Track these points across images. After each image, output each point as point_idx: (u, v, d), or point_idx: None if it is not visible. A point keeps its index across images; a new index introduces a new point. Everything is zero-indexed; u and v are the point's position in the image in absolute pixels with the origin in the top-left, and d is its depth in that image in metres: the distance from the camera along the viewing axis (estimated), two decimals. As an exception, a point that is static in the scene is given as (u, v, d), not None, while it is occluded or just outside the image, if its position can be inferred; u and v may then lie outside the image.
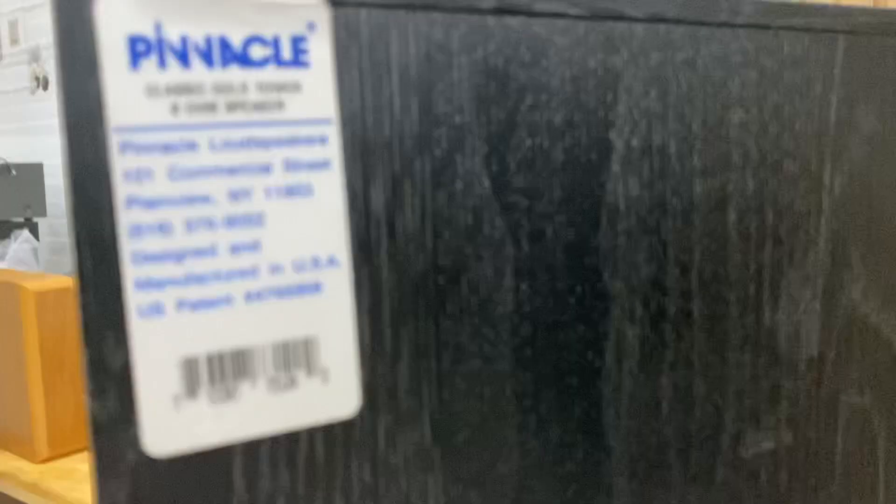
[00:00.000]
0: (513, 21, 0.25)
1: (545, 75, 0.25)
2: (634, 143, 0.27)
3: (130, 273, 0.20)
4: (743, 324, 0.29)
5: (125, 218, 0.20)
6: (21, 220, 1.41)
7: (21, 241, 1.30)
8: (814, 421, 0.31)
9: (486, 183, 0.24)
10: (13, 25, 2.68)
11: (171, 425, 0.21)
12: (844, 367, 0.32)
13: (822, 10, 0.30)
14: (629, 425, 0.28)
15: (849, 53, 0.30)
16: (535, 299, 0.26)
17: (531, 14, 0.25)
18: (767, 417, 0.30)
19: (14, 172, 1.47)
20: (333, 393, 0.23)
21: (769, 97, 0.29)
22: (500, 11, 0.24)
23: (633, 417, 0.28)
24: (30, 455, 0.82)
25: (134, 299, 0.20)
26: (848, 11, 0.30)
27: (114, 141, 0.20)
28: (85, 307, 0.20)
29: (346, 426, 0.23)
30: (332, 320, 0.23)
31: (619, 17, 0.26)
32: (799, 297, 0.30)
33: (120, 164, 0.20)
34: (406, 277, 0.24)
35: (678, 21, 0.27)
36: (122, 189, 0.20)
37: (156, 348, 0.21)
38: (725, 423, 0.29)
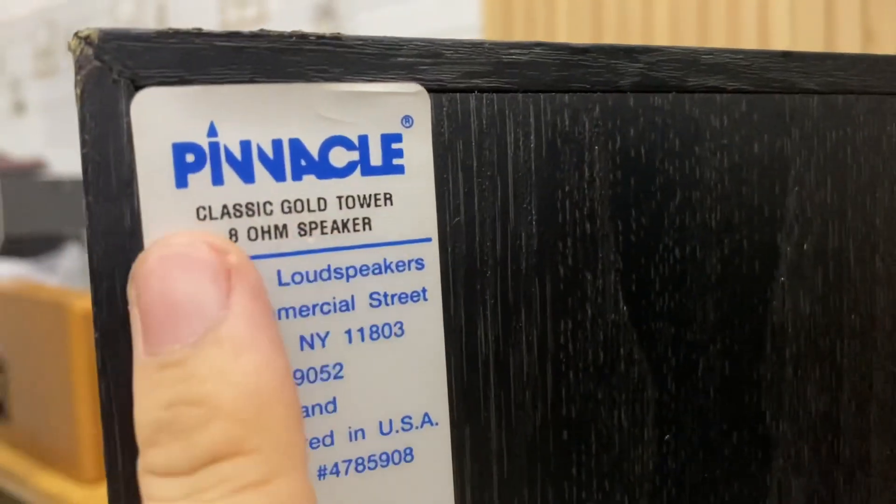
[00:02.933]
0: (659, 100, 0.19)
1: (698, 166, 0.20)
2: (806, 246, 0.21)
3: (172, 449, 0.15)
4: (932, 465, 0.23)
5: (166, 379, 0.15)
6: (72, 235, 1.40)
7: (72, 258, 1.30)
8: None
9: (623, 307, 0.19)
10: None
11: None
12: None
13: None
14: None
15: None
16: (681, 454, 0.20)
17: (682, 90, 0.19)
18: (962, 583, 0.24)
19: (66, 187, 1.47)
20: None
21: (970, 181, 0.23)
22: (643, 89, 0.19)
23: (798, 592, 0.22)
24: (77, 475, 0.81)
25: (176, 483, 0.16)
26: None
27: (152, 280, 0.15)
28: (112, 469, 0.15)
29: None
30: (427, 496, 0.17)
31: (790, 90, 0.20)
32: None
33: (160, 309, 0.15)
34: (521, 435, 0.18)
35: (861, 92, 0.21)
36: (162, 342, 0.15)
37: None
38: (909, 591, 0.23)
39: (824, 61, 0.21)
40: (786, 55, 0.20)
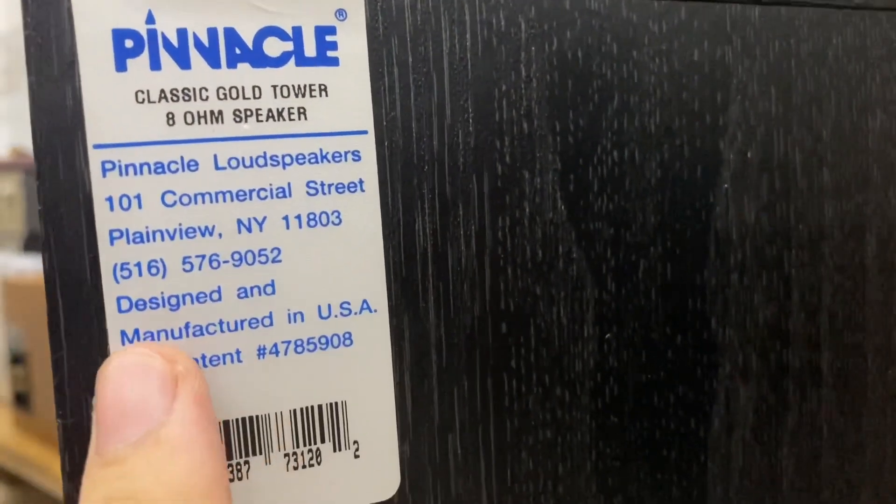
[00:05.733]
0: (596, 4, 0.20)
1: (636, 71, 0.20)
2: (750, 154, 0.21)
3: (115, 323, 0.16)
4: (884, 380, 0.24)
5: (108, 255, 0.16)
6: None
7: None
8: (977, 502, 0.25)
9: (561, 207, 0.20)
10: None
11: (164, 511, 0.17)
12: None
13: None
14: (741, 508, 0.22)
15: None
16: (623, 353, 0.20)
17: (619, -4, 0.20)
18: (917, 498, 0.24)
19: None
20: (366, 471, 0.18)
21: (920, 97, 0.23)
22: (579, -7, 0.19)
23: (747, 498, 0.22)
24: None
25: (119, 355, 0.16)
26: None
27: (94, 160, 0.16)
28: (58, 364, 0.16)
29: (383, 512, 0.18)
30: (366, 381, 0.18)
31: (731, 0, 0.21)
32: (957, 347, 0.24)
33: (102, 188, 0.16)
34: (459, 326, 0.19)
35: (803, 3, 0.22)
36: (104, 219, 0.16)
37: (146, 416, 0.17)
38: (862, 503, 0.24)
39: (766, -28, 0.21)
40: (725, -36, 0.21)
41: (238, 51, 0.17)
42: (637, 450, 0.21)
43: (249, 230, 0.17)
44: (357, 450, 0.18)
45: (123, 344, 0.16)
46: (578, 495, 0.20)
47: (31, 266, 1.20)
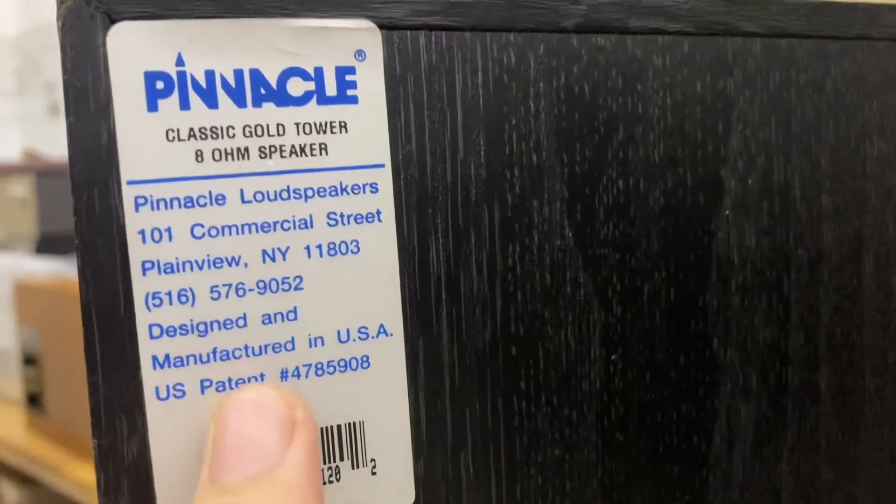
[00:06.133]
0: (602, 41, 0.20)
1: (641, 104, 0.21)
2: (751, 182, 0.22)
3: (147, 349, 0.17)
4: (881, 398, 0.24)
5: (141, 285, 0.17)
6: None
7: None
8: (971, 515, 0.26)
9: (569, 234, 0.20)
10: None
11: (193, 526, 0.18)
12: None
13: (984, 16, 0.24)
14: (742, 521, 0.23)
15: None
16: (628, 374, 0.21)
17: (624, 32, 0.21)
18: (913, 511, 0.25)
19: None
20: (383, 487, 0.19)
21: (916, 124, 0.24)
22: (586, 30, 0.20)
23: (747, 512, 0.23)
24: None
25: (151, 380, 0.17)
26: None
27: (128, 195, 0.17)
28: (94, 388, 0.17)
29: (399, 526, 0.19)
30: (382, 401, 0.19)
31: (732, 33, 0.22)
32: (952, 365, 0.25)
33: (135, 222, 0.17)
34: (471, 349, 0.20)
35: (804, 36, 0.22)
36: (137, 251, 0.17)
37: (176, 436, 0.18)
38: (860, 517, 0.24)
39: (767, 6, 0.22)
40: (728, 0, 0.21)
41: (263, 91, 0.18)
42: (641, 466, 0.22)
43: (273, 260, 0.18)
44: (374, 467, 0.19)
45: (155, 368, 0.17)
46: (585, 510, 0.21)
47: (43, 268, 1.21)
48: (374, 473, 0.19)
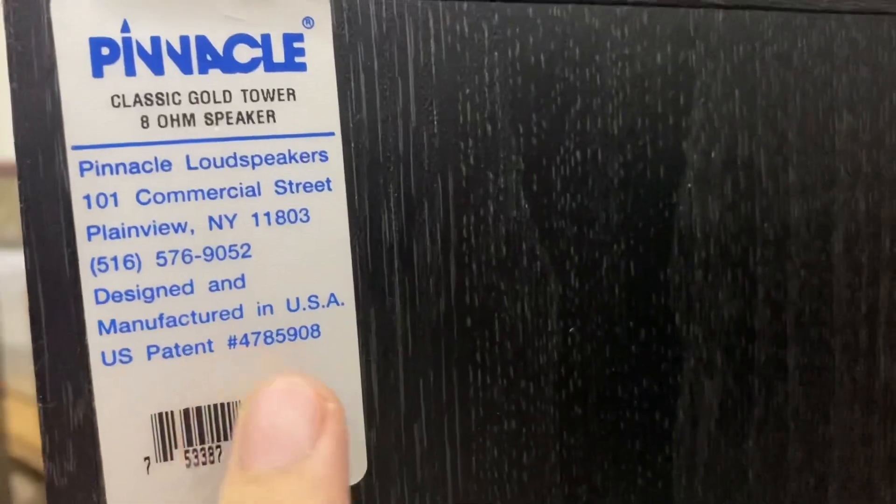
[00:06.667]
0: (558, 11, 0.20)
1: (599, 75, 0.21)
2: (714, 155, 0.22)
3: (92, 314, 0.17)
4: (852, 375, 0.24)
5: (86, 250, 0.17)
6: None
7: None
8: (946, 497, 0.25)
9: (525, 205, 0.20)
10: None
11: (141, 491, 0.18)
12: None
13: (957, -11, 0.24)
14: (706, 499, 0.23)
15: None
16: (586, 347, 0.21)
17: (581, 2, 0.20)
18: (885, 491, 0.25)
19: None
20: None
21: (886, 99, 0.24)
22: (542, 0, 0.20)
23: (712, 490, 0.23)
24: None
25: (97, 345, 0.17)
26: None
27: (72, 160, 0.17)
28: (39, 353, 0.17)
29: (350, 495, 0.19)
30: (333, 370, 0.19)
31: (693, 4, 0.21)
32: (927, 344, 0.25)
33: (80, 187, 0.17)
34: (425, 320, 0.20)
35: (768, 8, 0.22)
36: (82, 217, 0.17)
37: (122, 402, 0.18)
38: (828, 497, 0.24)
39: (729, -22, 0.22)
40: (687, -30, 0.21)
41: (209, 57, 0.18)
42: (601, 441, 0.21)
43: (220, 227, 0.18)
44: (324, 437, 0.19)
45: (101, 334, 0.17)
46: (543, 484, 0.21)
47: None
48: (324, 443, 0.19)
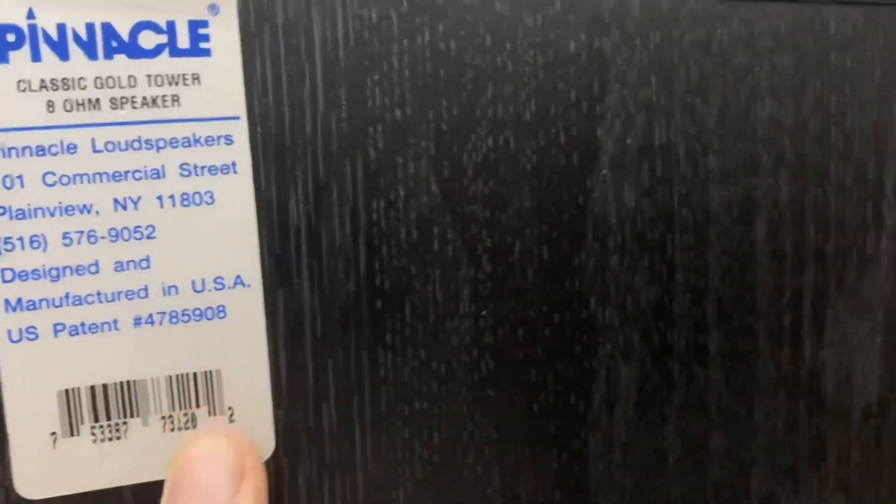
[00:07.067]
0: (468, -1, 0.21)
1: (511, 62, 0.21)
2: (629, 141, 0.22)
3: (0, 293, 0.18)
4: (775, 362, 0.24)
5: (-8, 230, 0.18)
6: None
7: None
8: (872, 484, 0.25)
9: (435, 190, 0.21)
10: None
11: (47, 466, 0.18)
12: (916, 419, 0.26)
13: (882, -23, 0.24)
14: (624, 484, 0.23)
15: (919, 30, 0.25)
16: (499, 329, 0.21)
17: (491, -10, 0.21)
18: (808, 478, 0.25)
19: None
20: (241, 434, 0.19)
21: (809, 86, 0.24)
22: (450, -13, 0.20)
23: (630, 473, 0.23)
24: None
25: (3, 322, 0.18)
26: (917, -22, 0.24)
27: (-22, 143, 0.18)
28: (-53, 330, 0.18)
29: (257, 473, 0.20)
30: (239, 350, 0.19)
31: (607, -8, 0.22)
32: (852, 331, 0.25)
33: (-15, 168, 0.18)
34: (334, 301, 0.20)
35: (686, -5, 0.22)
36: (-12, 197, 0.18)
37: (29, 378, 0.18)
38: (752, 483, 0.24)
39: (645, -34, 0.22)
40: (600, -42, 0.22)
41: (115, 43, 0.18)
42: (515, 423, 0.22)
43: (125, 208, 0.19)
44: (232, 415, 0.19)
45: (7, 311, 0.18)
46: (454, 464, 0.21)
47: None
48: (231, 421, 0.19)
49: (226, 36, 0.19)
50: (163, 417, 0.19)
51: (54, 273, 0.18)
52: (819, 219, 0.24)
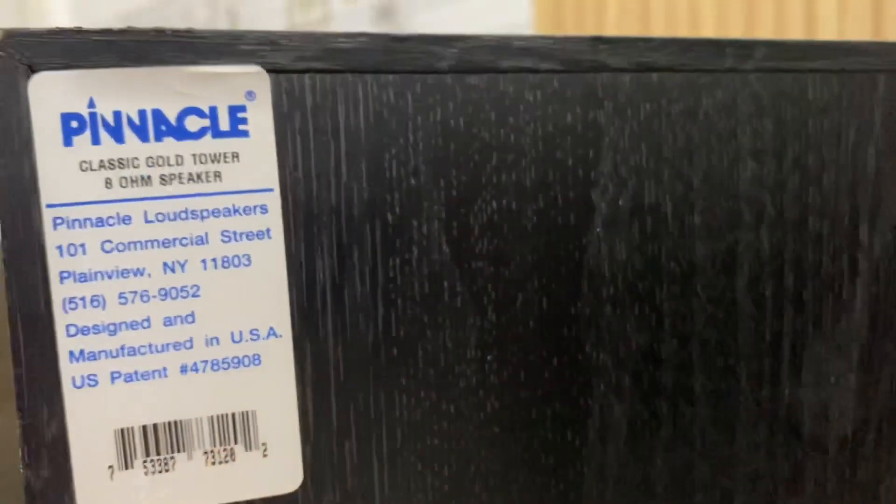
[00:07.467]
0: (475, 80, 0.23)
1: (513, 134, 0.24)
2: (621, 202, 0.25)
3: (64, 345, 0.21)
4: (756, 399, 0.26)
5: (59, 292, 0.20)
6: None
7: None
8: (845, 511, 0.28)
9: (446, 249, 0.23)
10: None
11: (106, 496, 0.21)
12: (886, 450, 0.28)
13: (856, 48, 0.26)
14: (614, 509, 0.25)
15: (891, 95, 0.27)
16: (503, 373, 0.24)
17: (496, 71, 0.23)
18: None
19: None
20: (273, 468, 0.22)
21: (789, 148, 0.26)
22: (459, 70, 0.23)
23: (622, 501, 0.25)
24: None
25: (68, 371, 0.21)
26: (890, 48, 0.26)
27: (47, 217, 0.20)
28: (18, 378, 0.20)
29: (287, 502, 0.22)
30: (272, 393, 0.22)
31: (600, 69, 0.24)
32: (828, 370, 0.27)
33: (53, 239, 0.20)
34: (355, 349, 0.23)
35: (674, 70, 0.25)
36: (55, 264, 0.20)
37: (90, 419, 0.21)
38: (734, 509, 0.26)
39: (635, 43, 0.24)
40: (595, 39, 0.24)
41: (164, 127, 0.21)
42: (518, 457, 0.24)
43: (173, 271, 0.21)
44: (265, 450, 0.22)
45: (71, 362, 0.21)
46: (462, 493, 0.24)
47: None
48: (265, 455, 0.22)
49: (261, 118, 0.21)
50: (205, 452, 0.22)
51: (112, 328, 0.21)
52: (797, 268, 0.26)
